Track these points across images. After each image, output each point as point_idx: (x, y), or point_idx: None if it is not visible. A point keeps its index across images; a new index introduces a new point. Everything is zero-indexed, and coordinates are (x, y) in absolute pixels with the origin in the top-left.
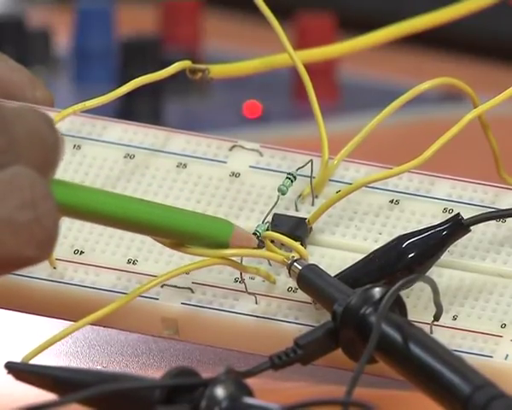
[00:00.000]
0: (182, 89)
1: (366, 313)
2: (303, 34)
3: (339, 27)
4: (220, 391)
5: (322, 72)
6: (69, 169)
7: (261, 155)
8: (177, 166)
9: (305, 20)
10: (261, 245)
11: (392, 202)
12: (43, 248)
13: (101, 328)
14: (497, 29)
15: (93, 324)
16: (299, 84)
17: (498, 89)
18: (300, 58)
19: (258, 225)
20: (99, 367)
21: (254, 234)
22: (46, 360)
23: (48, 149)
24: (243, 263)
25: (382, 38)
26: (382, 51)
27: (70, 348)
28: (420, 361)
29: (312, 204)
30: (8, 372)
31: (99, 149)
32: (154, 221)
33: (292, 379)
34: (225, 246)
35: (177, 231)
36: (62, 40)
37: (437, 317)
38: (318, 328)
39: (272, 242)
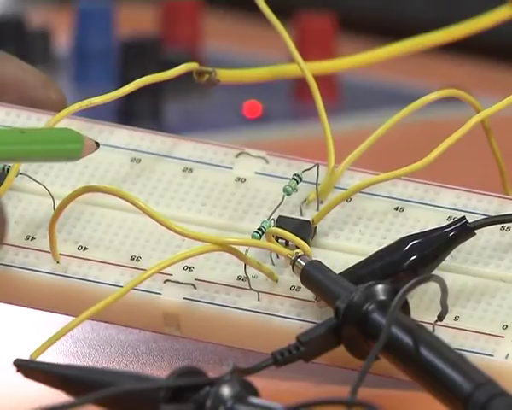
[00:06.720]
0: (182, 89)
1: (369, 309)
2: (303, 34)
3: (339, 27)
4: (225, 390)
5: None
6: (75, 171)
7: (267, 162)
8: (183, 170)
9: (305, 20)
10: (97, 145)
11: (397, 209)
12: None
13: (102, 328)
14: (498, 29)
15: (95, 319)
16: (299, 84)
17: (499, 89)
18: (310, 69)
19: (263, 221)
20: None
21: (259, 230)
22: (46, 360)
23: None
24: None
25: (391, 53)
26: None
27: (70, 348)
28: (422, 359)
29: (317, 209)
30: (18, 370)
31: (105, 154)
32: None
33: (294, 379)
34: (78, 157)
35: (36, 155)
36: (62, 40)
37: (441, 317)
38: (321, 325)
39: (277, 240)
